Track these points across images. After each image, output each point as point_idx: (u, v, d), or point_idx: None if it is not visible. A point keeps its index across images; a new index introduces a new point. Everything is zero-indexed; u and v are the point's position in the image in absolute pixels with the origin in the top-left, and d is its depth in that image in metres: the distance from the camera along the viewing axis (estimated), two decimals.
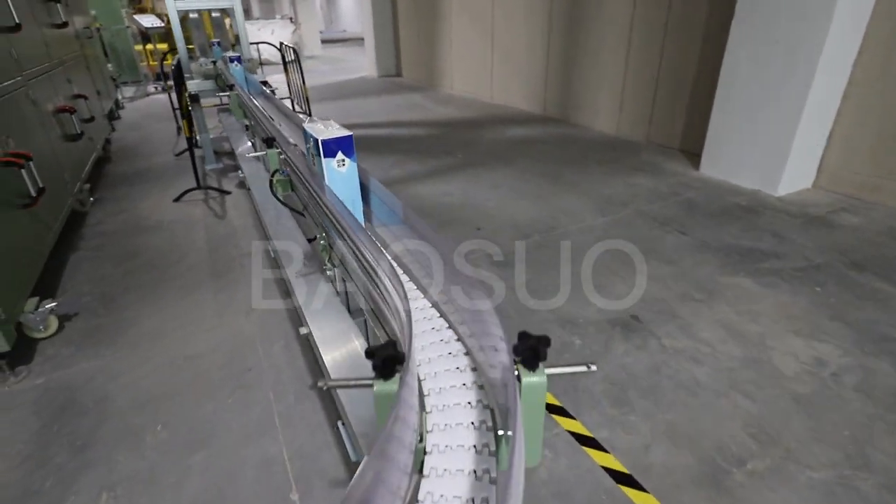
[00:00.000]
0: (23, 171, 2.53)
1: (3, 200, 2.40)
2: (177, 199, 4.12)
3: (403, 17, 9.95)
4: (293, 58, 5.76)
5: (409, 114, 7.09)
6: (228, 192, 4.26)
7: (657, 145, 5.11)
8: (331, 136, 1.26)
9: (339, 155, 1.29)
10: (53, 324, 2.44)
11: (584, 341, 2.26)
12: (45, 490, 1.67)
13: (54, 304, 2.43)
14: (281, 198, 1.88)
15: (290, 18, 16.46)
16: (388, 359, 0.62)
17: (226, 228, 3.58)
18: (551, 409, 1.89)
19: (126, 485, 1.69)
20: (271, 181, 1.86)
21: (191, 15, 5.43)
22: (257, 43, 6.84)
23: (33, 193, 2.59)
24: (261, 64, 5.35)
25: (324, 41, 19.66)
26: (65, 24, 4.47)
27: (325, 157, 1.28)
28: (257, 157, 3.44)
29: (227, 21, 5.74)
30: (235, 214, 3.82)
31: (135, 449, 1.82)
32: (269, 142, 1.94)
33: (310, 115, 5.75)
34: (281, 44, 6.12)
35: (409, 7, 9.61)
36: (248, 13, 26.20)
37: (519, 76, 6.99)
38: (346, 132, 1.31)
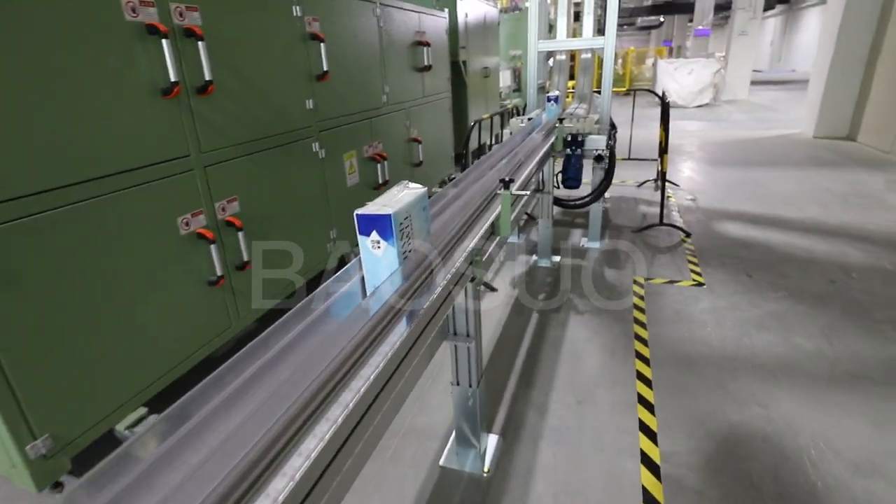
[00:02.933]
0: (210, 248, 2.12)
1: (189, 276, 2.04)
2: None
3: (891, 49, 6.50)
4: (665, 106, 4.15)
5: (848, 212, 4.31)
6: (495, 290, 3.20)
7: None
8: (367, 211, 1.05)
9: (374, 235, 1.06)
10: None
11: None
12: None
13: None
14: None
15: (722, 56, 14.16)
16: None
17: None
18: None
19: None
20: None
21: (557, 56, 4.61)
22: (635, 90, 5.52)
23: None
24: (666, 106, 3.99)
25: (758, 82, 16.36)
26: (426, 68, 4.36)
27: (359, 233, 1.06)
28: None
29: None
30: None
31: None
32: None
33: (662, 182, 4.05)
34: (663, 93, 4.59)
35: None
36: (679, 51, 24.85)
37: None
38: (390, 210, 1.04)
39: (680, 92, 12.13)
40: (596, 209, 3.74)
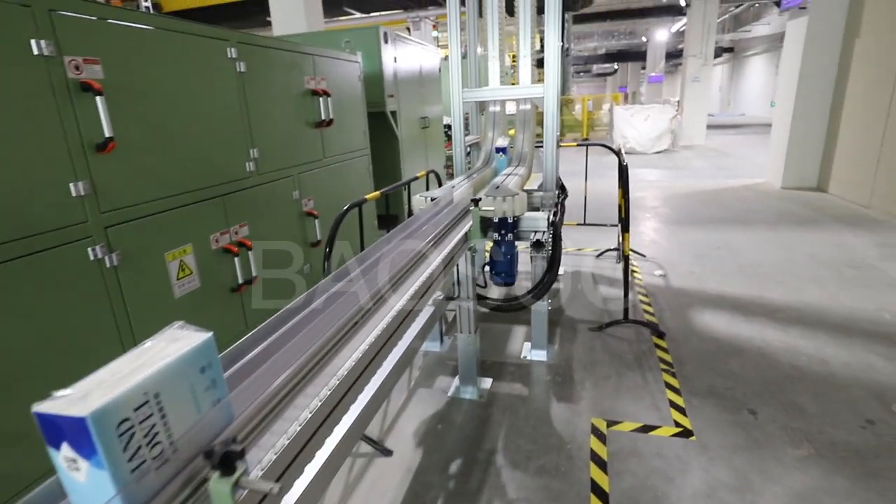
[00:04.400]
0: None
1: None
2: None
3: (859, 90, 6.03)
4: (624, 162, 3.32)
5: (849, 291, 3.52)
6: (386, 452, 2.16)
7: None
8: (49, 409, 0.53)
9: (66, 450, 0.52)
10: None
11: None
12: None
13: None
14: None
15: (677, 102, 14.05)
16: None
17: None
18: None
19: None
20: None
21: (491, 108, 3.80)
22: (587, 144, 4.77)
23: None
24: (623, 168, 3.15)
25: (712, 126, 16.35)
26: (326, 123, 3.44)
27: (47, 443, 0.54)
28: None
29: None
30: None
31: None
32: None
33: (625, 266, 3.15)
34: (619, 150, 3.81)
35: (880, 73, 5.68)
36: (634, 96, 25.31)
37: None
38: (87, 408, 0.51)
39: (638, 139, 11.74)
40: (540, 309, 2.80)
